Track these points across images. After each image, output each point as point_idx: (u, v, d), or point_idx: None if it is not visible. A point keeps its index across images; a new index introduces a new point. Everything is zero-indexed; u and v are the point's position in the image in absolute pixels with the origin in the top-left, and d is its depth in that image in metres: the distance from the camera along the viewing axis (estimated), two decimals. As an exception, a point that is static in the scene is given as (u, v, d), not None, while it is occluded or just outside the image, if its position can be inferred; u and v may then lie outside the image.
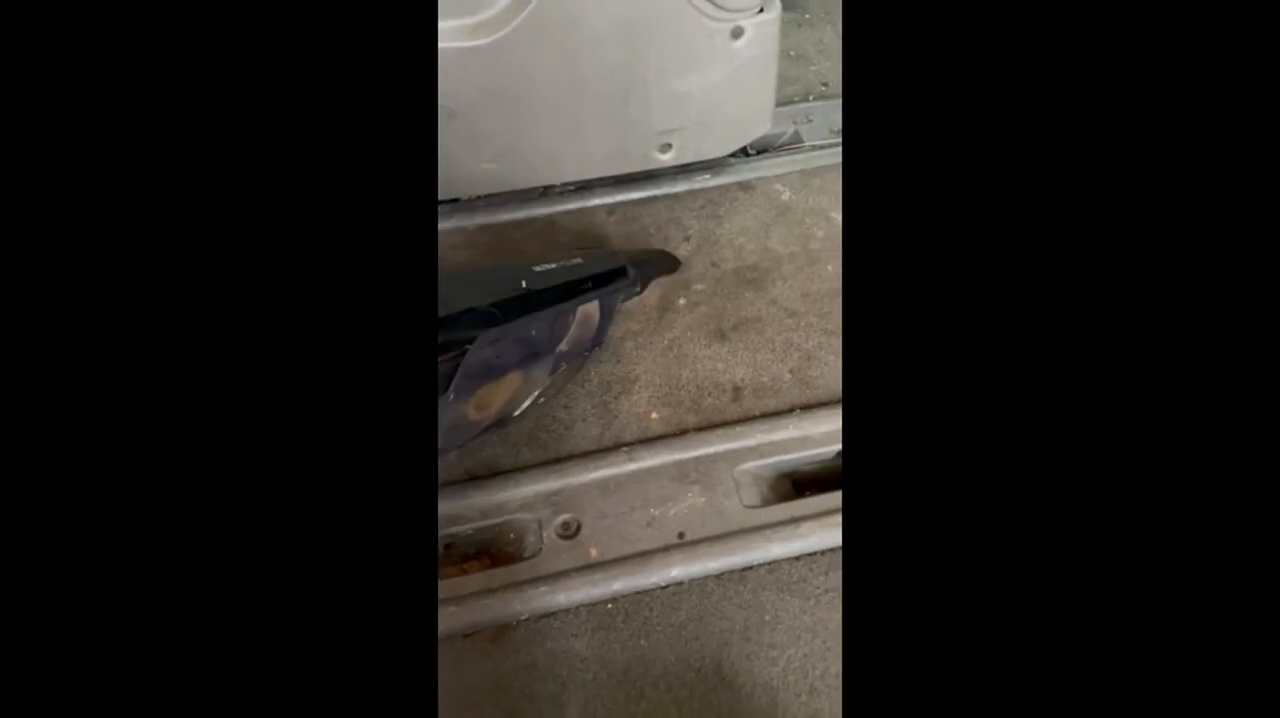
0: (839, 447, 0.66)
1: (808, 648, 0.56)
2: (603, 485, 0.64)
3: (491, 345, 0.56)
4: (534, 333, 0.59)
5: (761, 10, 0.73)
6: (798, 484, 0.68)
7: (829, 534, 0.60)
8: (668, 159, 0.84)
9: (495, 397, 0.60)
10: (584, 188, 0.88)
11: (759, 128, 0.85)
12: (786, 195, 0.88)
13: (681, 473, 0.65)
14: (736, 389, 0.71)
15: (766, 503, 0.64)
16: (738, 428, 0.67)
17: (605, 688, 0.55)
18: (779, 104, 0.99)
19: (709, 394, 0.71)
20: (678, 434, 0.67)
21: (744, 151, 0.92)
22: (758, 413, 0.69)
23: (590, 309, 0.64)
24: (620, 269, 0.66)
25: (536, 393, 0.64)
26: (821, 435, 0.67)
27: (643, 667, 0.55)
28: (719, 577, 0.59)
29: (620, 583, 0.58)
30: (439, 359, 0.54)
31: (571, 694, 0.55)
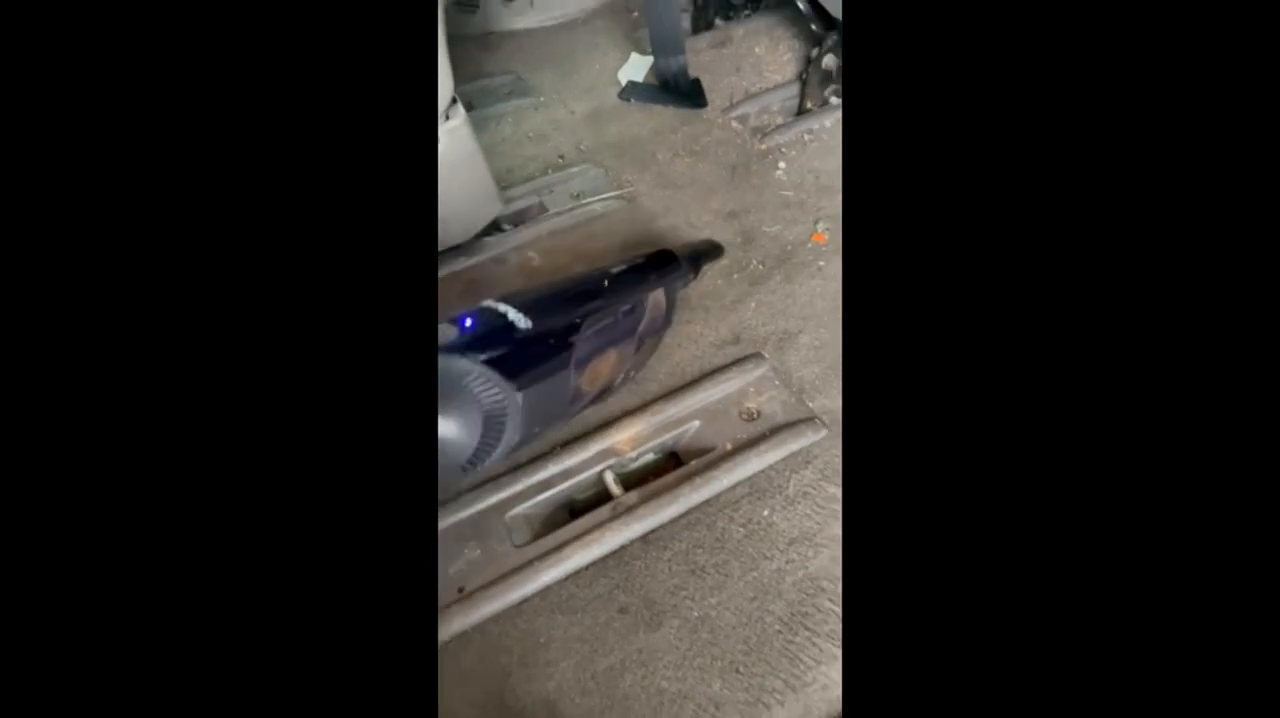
0: (598, 468, 0.75)
1: (579, 655, 0.62)
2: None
3: (594, 329, 0.68)
4: (621, 316, 0.73)
5: (449, 119, 0.84)
6: (574, 511, 0.76)
7: (588, 551, 0.68)
8: (416, 255, 0.92)
9: (600, 372, 0.72)
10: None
11: (489, 212, 0.95)
12: (536, 260, 0.98)
13: (458, 534, 0.71)
14: (505, 443, 0.78)
15: (538, 537, 0.71)
16: (504, 478, 0.74)
17: (405, 751, 0.59)
18: (523, 181, 1.11)
19: (481, 454, 0.78)
20: (453, 498, 0.74)
21: (498, 228, 1.03)
22: (525, 459, 0.76)
23: (658, 297, 0.78)
24: (675, 262, 0.81)
25: (628, 367, 0.78)
26: (579, 464, 0.75)
27: (435, 720, 0.60)
28: (497, 617, 0.65)
29: (407, 649, 0.63)
30: (568, 340, 0.66)
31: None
